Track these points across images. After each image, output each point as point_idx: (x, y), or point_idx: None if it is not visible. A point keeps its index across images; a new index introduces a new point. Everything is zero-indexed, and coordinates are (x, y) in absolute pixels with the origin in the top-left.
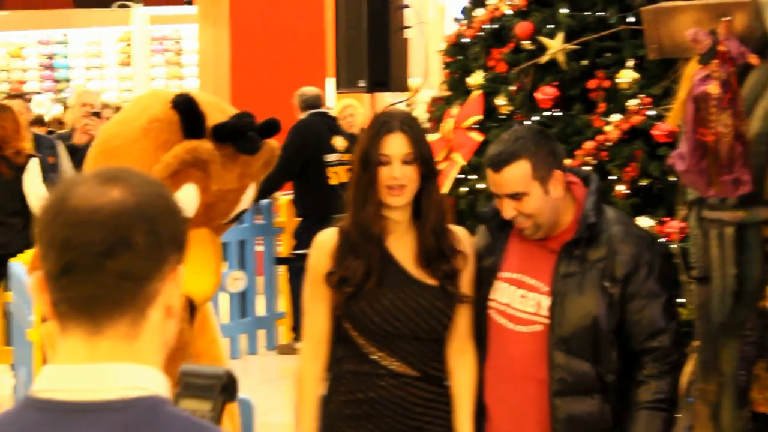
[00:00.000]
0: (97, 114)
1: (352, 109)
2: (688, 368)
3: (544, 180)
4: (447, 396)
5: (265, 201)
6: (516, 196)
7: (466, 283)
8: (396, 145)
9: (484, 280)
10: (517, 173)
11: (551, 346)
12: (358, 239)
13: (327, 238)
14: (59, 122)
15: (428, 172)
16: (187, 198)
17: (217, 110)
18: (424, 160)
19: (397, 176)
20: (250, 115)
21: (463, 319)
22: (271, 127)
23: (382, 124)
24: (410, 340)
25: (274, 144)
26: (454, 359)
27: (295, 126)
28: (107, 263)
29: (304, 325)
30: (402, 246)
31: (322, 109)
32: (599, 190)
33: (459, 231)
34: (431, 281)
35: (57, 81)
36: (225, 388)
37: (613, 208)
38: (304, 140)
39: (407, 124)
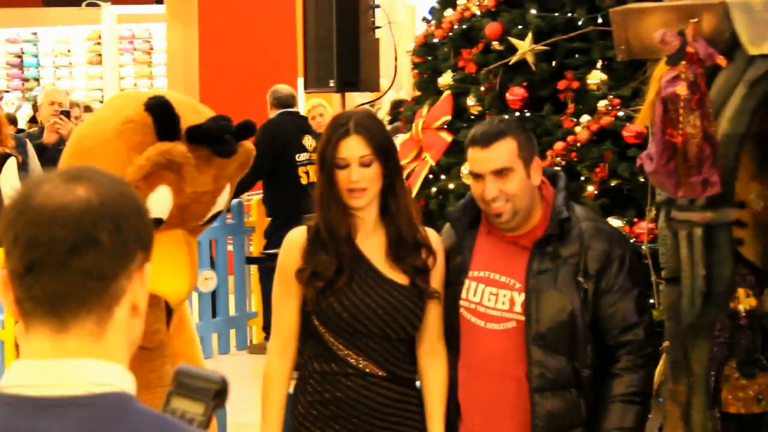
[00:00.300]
0: (66, 113)
1: (321, 108)
2: (659, 368)
3: (528, 162)
4: (417, 397)
5: (235, 200)
6: (502, 173)
7: (436, 281)
8: (351, 148)
9: (454, 279)
10: (506, 148)
11: (528, 342)
12: (328, 238)
13: (297, 236)
14: (33, 121)
15: (391, 170)
16: (161, 200)
17: (192, 111)
18: (384, 158)
19: (355, 179)
20: (227, 119)
21: (433, 320)
22: (246, 129)
23: (337, 127)
24: (379, 339)
25: (250, 146)
26: (425, 360)
27: (264, 125)
28: (73, 261)
29: (272, 322)
30: (372, 244)
31: (293, 109)
32: (568, 187)
33: (428, 231)
34: (402, 280)
35: (26, 80)
36: (218, 393)
37: (581, 206)
38: (274, 139)
39: (363, 124)
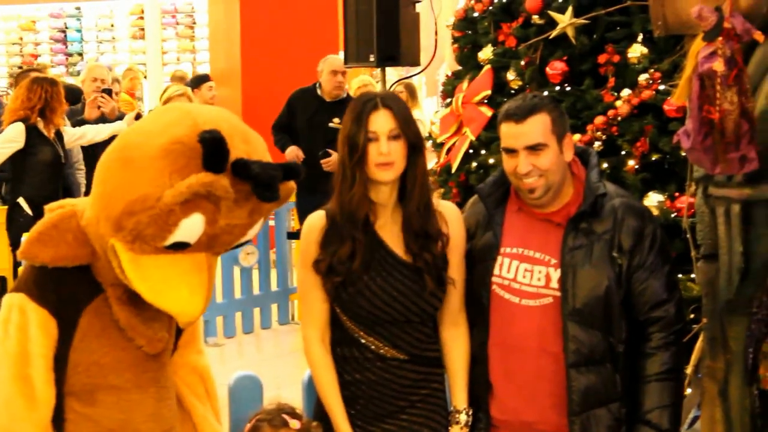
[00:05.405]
0: (108, 91)
1: (370, 87)
2: (697, 345)
3: (560, 138)
4: (439, 375)
5: None
6: (536, 148)
7: (455, 262)
8: (381, 121)
9: (484, 255)
10: (540, 123)
11: (565, 317)
12: (344, 222)
13: (315, 222)
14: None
15: (413, 148)
16: (193, 227)
17: (243, 140)
18: (408, 135)
19: (385, 152)
20: (278, 169)
21: (453, 294)
22: (291, 173)
23: (365, 103)
24: (401, 324)
25: (292, 186)
26: (446, 332)
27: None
28: None
29: (303, 311)
30: (389, 229)
31: None
32: (599, 164)
33: (447, 209)
34: (420, 263)
35: (69, 54)
36: None
37: (610, 183)
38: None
39: (389, 100)
